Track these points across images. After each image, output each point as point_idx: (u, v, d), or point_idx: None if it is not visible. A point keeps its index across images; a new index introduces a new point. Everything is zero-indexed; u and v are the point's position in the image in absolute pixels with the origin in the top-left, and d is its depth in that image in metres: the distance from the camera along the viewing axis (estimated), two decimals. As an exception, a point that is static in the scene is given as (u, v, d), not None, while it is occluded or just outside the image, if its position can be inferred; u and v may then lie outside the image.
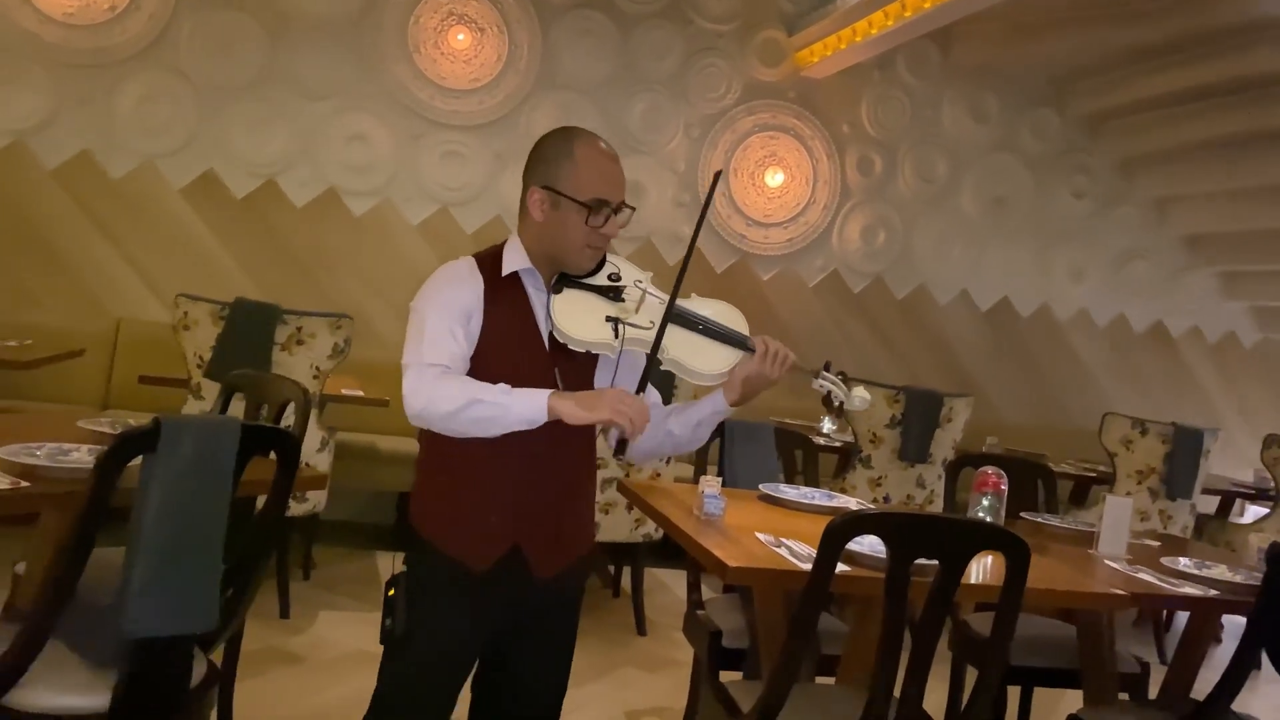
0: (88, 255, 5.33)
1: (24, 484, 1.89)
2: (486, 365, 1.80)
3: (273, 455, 2.03)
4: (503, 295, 1.85)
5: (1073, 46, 6.01)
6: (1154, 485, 4.75)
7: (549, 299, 1.85)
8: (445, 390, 1.72)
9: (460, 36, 5.73)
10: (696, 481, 2.56)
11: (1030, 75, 6.53)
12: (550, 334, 1.85)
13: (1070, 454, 5.72)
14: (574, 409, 1.70)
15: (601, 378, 1.90)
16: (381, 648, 1.89)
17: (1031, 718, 3.18)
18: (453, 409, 1.71)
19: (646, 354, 1.81)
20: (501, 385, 1.73)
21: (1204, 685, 2.39)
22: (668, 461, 4.21)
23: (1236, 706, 2.31)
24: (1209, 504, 5.45)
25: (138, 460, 1.76)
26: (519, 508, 1.83)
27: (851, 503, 2.83)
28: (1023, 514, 3.17)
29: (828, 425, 5.22)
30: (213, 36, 5.38)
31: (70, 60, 5.22)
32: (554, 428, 1.74)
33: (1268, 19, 5.09)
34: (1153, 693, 2.80)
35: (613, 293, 1.86)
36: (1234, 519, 5.79)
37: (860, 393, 1.96)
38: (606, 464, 4.06)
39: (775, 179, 6.27)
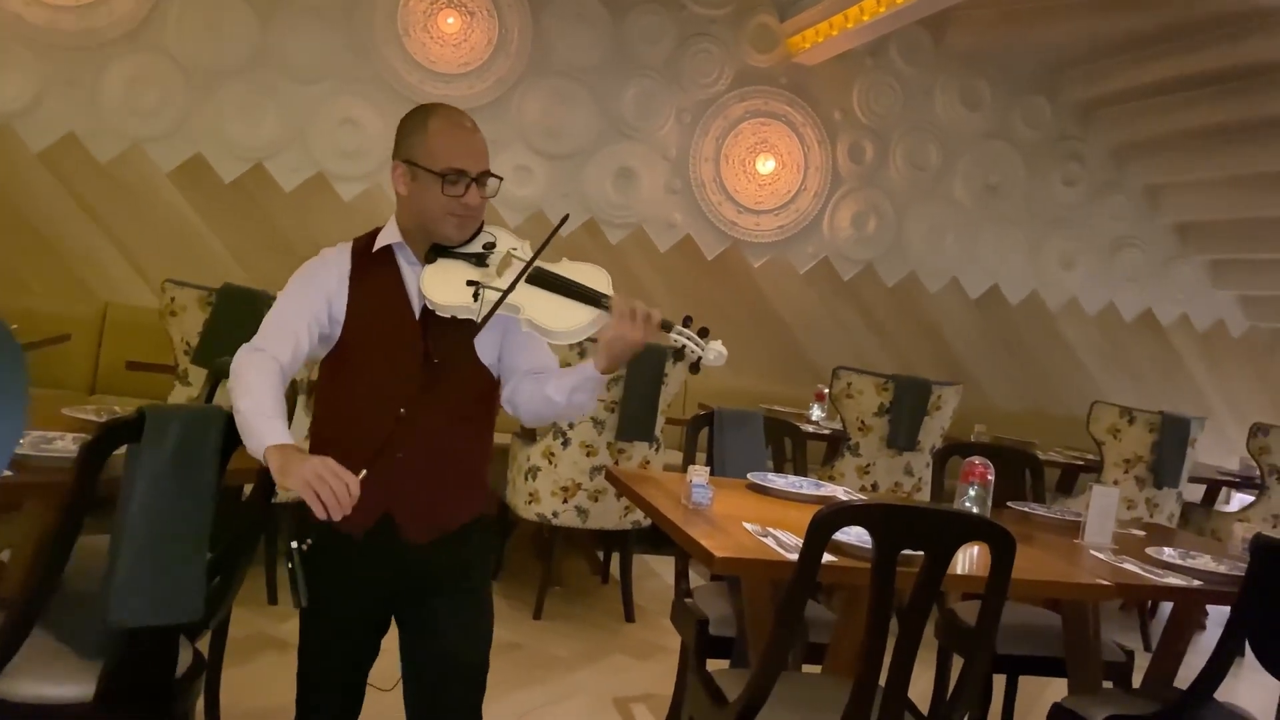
0: (74, 239, 5.30)
1: (7, 473, 1.88)
2: (357, 340, 1.86)
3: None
4: (372, 271, 1.90)
5: (1065, 34, 6.00)
6: (1141, 474, 4.78)
7: (421, 270, 1.88)
8: (241, 385, 1.76)
9: (450, 20, 5.69)
10: (685, 470, 2.57)
11: (1023, 62, 6.52)
12: (423, 306, 1.87)
13: (1059, 442, 5.75)
14: (277, 467, 1.65)
15: (482, 343, 1.90)
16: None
17: (1017, 706, 3.21)
18: (232, 406, 1.76)
19: (508, 315, 1.83)
20: (272, 409, 1.72)
21: (1188, 673, 2.41)
22: (656, 449, 4.21)
23: (1219, 695, 2.32)
24: (1195, 492, 5.48)
25: (123, 449, 1.75)
26: (389, 475, 1.80)
27: (839, 492, 2.84)
28: (1010, 502, 3.18)
29: (816, 413, 5.23)
30: (201, 19, 5.33)
31: (56, 42, 5.17)
32: (427, 393, 1.78)
33: (1260, 8, 5.08)
34: (1137, 681, 2.82)
35: (480, 259, 1.88)
36: (1220, 507, 5.83)
37: (717, 347, 1.85)
38: (596, 451, 4.06)
39: (766, 166, 6.25)
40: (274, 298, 4.18)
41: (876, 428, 4.62)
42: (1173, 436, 4.75)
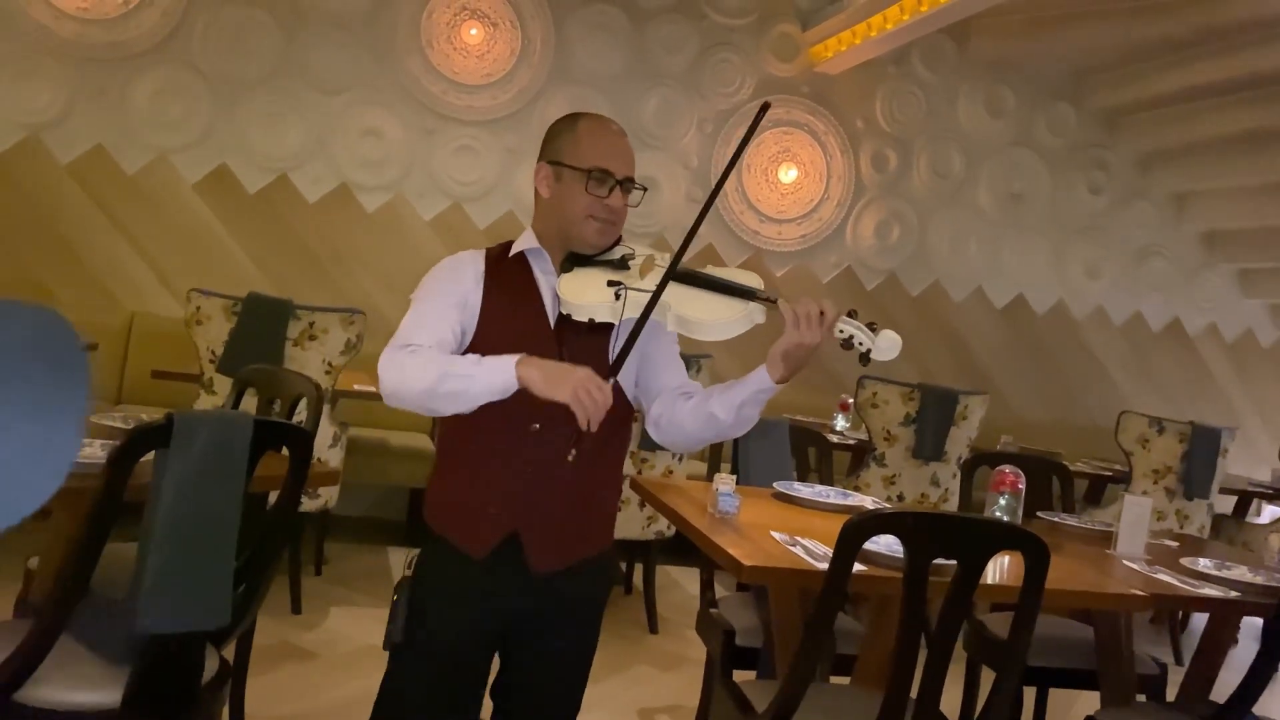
0: (101, 250, 5.34)
1: (36, 479, 1.88)
2: (487, 344, 1.78)
3: (285, 451, 2.02)
4: (506, 276, 1.85)
5: (1090, 40, 5.96)
6: (1171, 484, 4.71)
7: (557, 278, 1.82)
8: (416, 366, 1.68)
9: (473, 31, 5.71)
10: (710, 479, 2.55)
11: (1047, 69, 6.48)
12: (558, 314, 1.81)
13: (1086, 453, 5.68)
14: (539, 380, 1.61)
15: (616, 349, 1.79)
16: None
17: (1047, 718, 3.16)
18: (427, 384, 1.67)
19: (655, 320, 1.72)
20: (473, 356, 1.69)
21: (1221, 687, 2.37)
22: (680, 459, 4.19)
23: (1257, 710, 2.28)
24: (1226, 504, 5.40)
25: (150, 455, 1.75)
26: (521, 495, 1.77)
27: (867, 501, 2.81)
28: (1039, 513, 3.14)
29: (841, 422, 5.20)
30: (227, 31, 5.38)
31: (84, 55, 5.23)
32: (569, 418, 1.62)
33: (1289, 13, 5.03)
34: (1170, 694, 2.77)
35: (621, 264, 1.82)
36: (1251, 519, 5.74)
37: (890, 336, 1.69)
38: (619, 460, 4.04)
39: (789, 175, 6.23)
40: (298, 306, 4.18)
41: (902, 438, 4.58)
42: (1203, 447, 4.69)
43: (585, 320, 1.76)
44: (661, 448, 4.06)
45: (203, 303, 3.98)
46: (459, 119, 5.72)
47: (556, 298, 1.81)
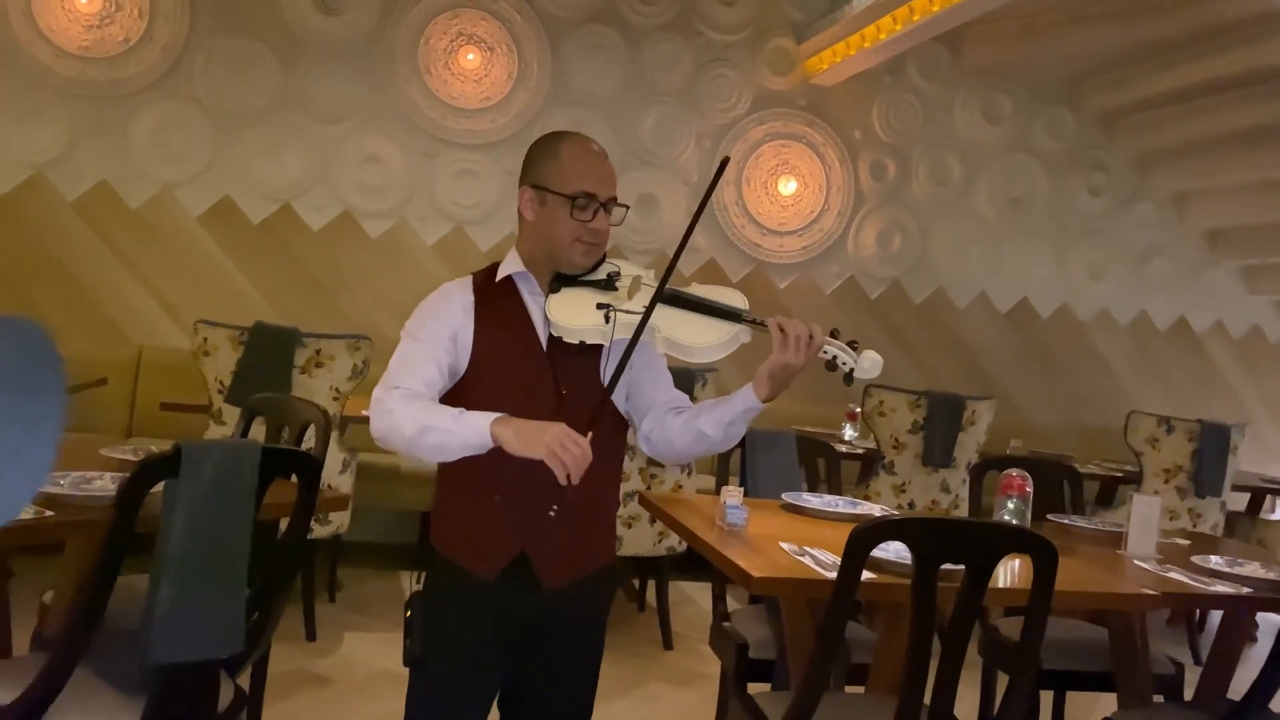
0: (108, 284, 5.38)
1: (48, 513, 1.90)
2: (484, 373, 1.83)
3: (294, 477, 2.03)
4: (495, 302, 1.88)
5: (1084, 44, 5.98)
6: (1182, 483, 4.70)
7: (545, 299, 1.87)
8: (403, 415, 1.75)
9: (470, 56, 5.76)
10: (718, 492, 2.56)
11: (1043, 74, 6.50)
12: (549, 335, 1.85)
13: (1096, 454, 5.67)
14: (513, 439, 1.67)
15: (607, 370, 1.87)
16: (408, 669, 1.90)
17: (1065, 722, 3.14)
18: (410, 435, 1.74)
19: (643, 339, 1.79)
20: (455, 411, 1.74)
21: (1240, 684, 2.36)
22: (689, 473, 4.20)
23: (1274, 706, 2.27)
24: (1239, 501, 5.38)
25: (160, 486, 1.77)
26: (527, 514, 1.79)
27: (875, 509, 2.81)
28: (1049, 516, 3.14)
29: (849, 432, 5.20)
30: (226, 64, 5.43)
31: (87, 92, 5.28)
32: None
33: (1279, 10, 5.05)
34: (1188, 694, 2.76)
35: (608, 284, 1.87)
36: (1265, 515, 5.72)
37: (871, 356, 1.82)
38: (628, 476, 4.05)
39: (788, 187, 6.25)
40: (305, 334, 4.20)
41: (911, 445, 4.58)
42: (1213, 445, 4.68)
43: (576, 342, 1.82)
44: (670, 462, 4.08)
45: (210, 334, 4.00)
46: (458, 143, 5.76)
47: (546, 319, 1.85)
